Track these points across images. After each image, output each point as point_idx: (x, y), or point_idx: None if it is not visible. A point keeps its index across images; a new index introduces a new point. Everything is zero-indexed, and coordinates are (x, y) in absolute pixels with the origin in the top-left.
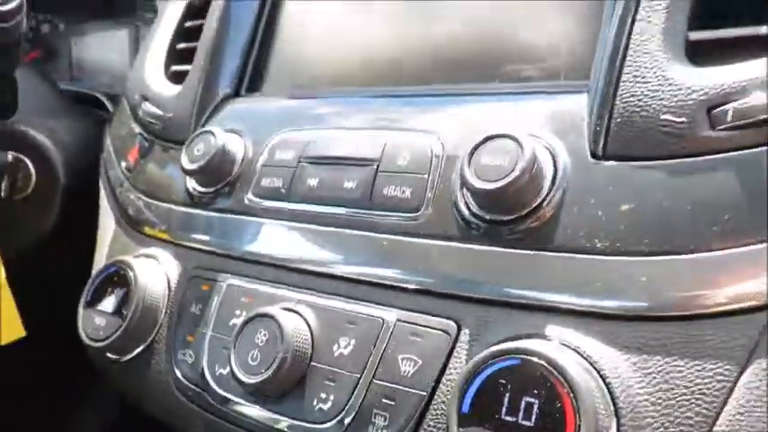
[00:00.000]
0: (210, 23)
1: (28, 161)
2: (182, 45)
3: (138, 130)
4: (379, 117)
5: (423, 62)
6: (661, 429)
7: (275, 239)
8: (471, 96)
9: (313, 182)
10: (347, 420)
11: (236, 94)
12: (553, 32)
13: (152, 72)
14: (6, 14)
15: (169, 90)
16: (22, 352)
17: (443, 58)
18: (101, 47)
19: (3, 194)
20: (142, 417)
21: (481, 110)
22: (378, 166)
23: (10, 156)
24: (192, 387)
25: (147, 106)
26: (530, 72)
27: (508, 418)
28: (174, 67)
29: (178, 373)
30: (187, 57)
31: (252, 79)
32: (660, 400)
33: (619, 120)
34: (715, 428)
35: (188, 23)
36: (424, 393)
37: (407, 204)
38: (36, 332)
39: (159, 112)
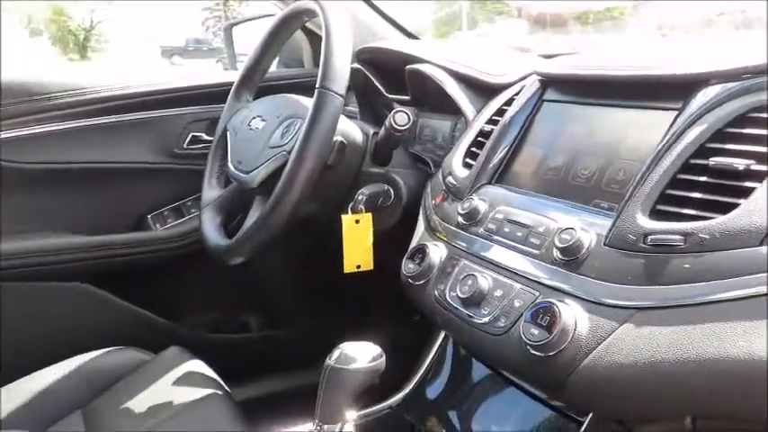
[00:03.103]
0: (488, 143)
1: (391, 189)
2: (473, 149)
3: (442, 186)
4: (535, 208)
5: (565, 186)
6: (584, 340)
7: (486, 249)
8: (575, 209)
9: (507, 230)
10: (491, 319)
11: (489, 182)
12: (620, 188)
13: (456, 160)
14: (407, 130)
15: (461, 173)
16: (366, 278)
17: (572, 186)
18: (435, 128)
19: (379, 204)
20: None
21: (576, 215)
22: (530, 229)
23: (385, 186)
24: (440, 299)
25: (449, 179)
26: (603, 204)
27: (539, 322)
28: (467, 160)
29: (436, 293)
30: (474, 156)
31: (499, 176)
32: (589, 332)
33: (615, 231)
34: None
35: (478, 138)
36: (521, 312)
37: (537, 246)
38: (377, 268)
39: (455, 182)
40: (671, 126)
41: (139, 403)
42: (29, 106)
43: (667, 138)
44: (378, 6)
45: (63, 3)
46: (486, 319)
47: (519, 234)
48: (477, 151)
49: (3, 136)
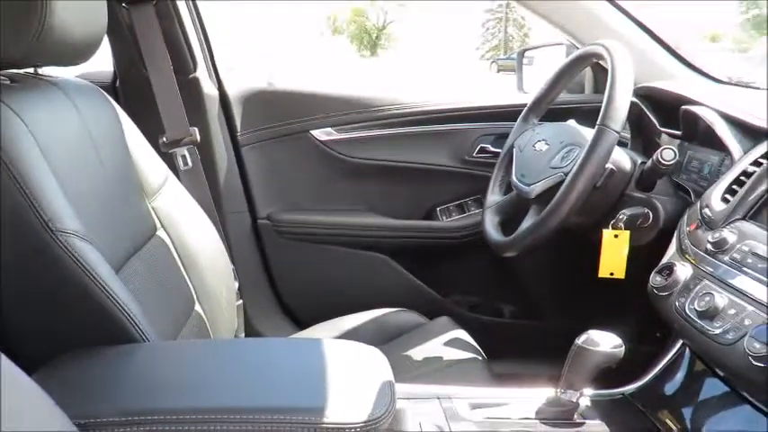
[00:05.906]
0: (749, 182)
1: (650, 213)
2: (733, 186)
3: (698, 216)
4: None
5: None
6: None
7: (728, 275)
8: None
9: (750, 261)
10: (721, 332)
11: (743, 218)
12: None
13: (716, 194)
14: (672, 165)
15: (718, 206)
16: (616, 284)
17: None
18: (702, 161)
19: (637, 225)
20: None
21: None
22: None
23: (645, 209)
24: (679, 309)
25: (706, 210)
26: None
27: (763, 339)
28: (726, 196)
29: (677, 304)
30: (733, 193)
31: (753, 214)
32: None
33: None
34: None
35: (741, 177)
36: (748, 329)
37: None
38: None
39: (710, 214)
40: None
41: (417, 353)
42: (364, 115)
43: None
44: (667, 43)
45: (363, 4)
46: (717, 331)
47: (760, 266)
48: (738, 189)
49: (343, 136)
